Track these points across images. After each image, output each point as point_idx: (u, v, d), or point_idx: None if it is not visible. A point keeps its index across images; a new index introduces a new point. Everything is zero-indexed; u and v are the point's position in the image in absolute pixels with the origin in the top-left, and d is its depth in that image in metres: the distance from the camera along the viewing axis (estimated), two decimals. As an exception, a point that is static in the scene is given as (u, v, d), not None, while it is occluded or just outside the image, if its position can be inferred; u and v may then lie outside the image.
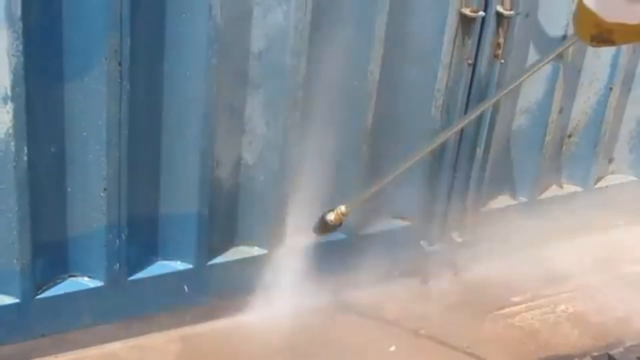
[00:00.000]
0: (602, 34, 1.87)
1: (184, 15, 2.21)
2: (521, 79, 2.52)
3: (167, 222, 2.46)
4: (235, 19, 2.28)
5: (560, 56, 2.88)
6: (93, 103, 2.17)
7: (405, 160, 2.46)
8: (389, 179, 2.48)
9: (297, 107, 2.45)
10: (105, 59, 2.12)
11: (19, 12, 1.97)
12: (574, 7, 2.73)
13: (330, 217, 2.48)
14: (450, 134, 2.63)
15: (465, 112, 2.76)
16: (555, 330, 2.84)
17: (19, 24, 1.99)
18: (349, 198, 2.52)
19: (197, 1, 2.19)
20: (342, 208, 2.47)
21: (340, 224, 2.51)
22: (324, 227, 2.51)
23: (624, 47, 2.99)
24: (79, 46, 2.11)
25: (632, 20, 1.83)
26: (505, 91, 2.65)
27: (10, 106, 2.07)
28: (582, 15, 1.89)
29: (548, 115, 2.97)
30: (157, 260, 2.52)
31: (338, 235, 2.69)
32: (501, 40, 2.70)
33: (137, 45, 2.16)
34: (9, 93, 2.05)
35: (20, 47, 2.01)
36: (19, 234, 2.21)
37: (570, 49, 2.89)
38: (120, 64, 2.14)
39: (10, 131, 2.09)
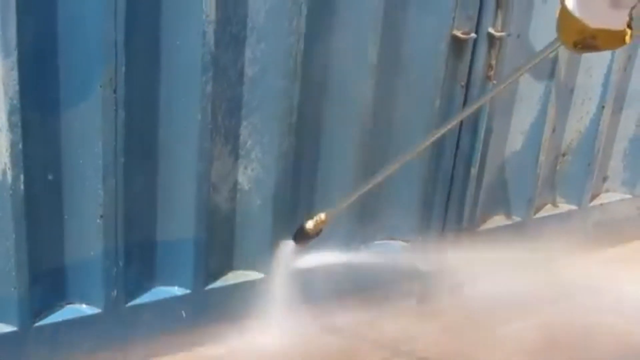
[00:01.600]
0: (586, 39, 1.87)
1: (178, 42, 2.22)
2: (506, 83, 2.56)
3: (164, 248, 2.47)
4: (229, 44, 2.30)
5: (552, 76, 2.90)
6: (89, 130, 2.18)
7: (387, 167, 2.44)
8: (368, 187, 2.45)
9: (292, 131, 2.46)
10: (101, 86, 2.13)
11: (14, 42, 1.99)
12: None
13: (310, 225, 2.48)
14: (439, 132, 2.51)
15: (459, 133, 2.78)
16: (555, 348, 2.84)
17: (15, 54, 2.00)
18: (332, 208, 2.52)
19: (190, 28, 2.21)
20: (322, 215, 2.48)
21: (320, 232, 2.50)
22: (303, 235, 2.51)
23: (615, 66, 3.02)
24: (74, 74, 2.12)
25: (615, 26, 1.84)
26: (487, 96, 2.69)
27: (6, 135, 2.08)
28: (565, 21, 1.89)
29: (541, 135, 2.99)
30: (154, 286, 2.52)
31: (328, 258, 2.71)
32: (493, 61, 2.72)
33: (132, 72, 2.17)
34: (5, 122, 2.06)
35: (16, 76, 2.02)
36: (16, 262, 2.21)
37: (562, 70, 2.91)
38: (115, 91, 2.15)
39: (7, 160, 2.10)
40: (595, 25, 1.84)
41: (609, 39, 1.87)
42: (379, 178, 2.43)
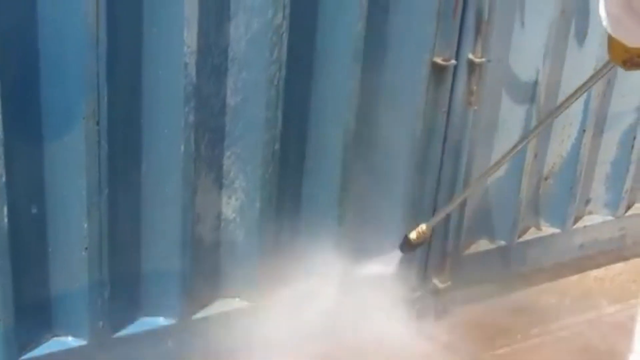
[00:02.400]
0: (633, 58, 1.89)
1: (159, 73, 2.23)
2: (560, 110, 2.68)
3: (150, 278, 2.46)
4: (210, 75, 2.31)
5: (533, 101, 2.92)
6: (72, 162, 2.19)
7: (480, 177, 2.81)
8: (464, 197, 2.79)
9: (275, 159, 2.47)
10: (84, 118, 2.14)
11: (-4, 75, 2.00)
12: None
13: (413, 235, 2.67)
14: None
15: (442, 159, 2.80)
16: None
17: (-3, 87, 2.01)
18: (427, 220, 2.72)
19: (172, 58, 2.22)
20: (423, 227, 2.68)
21: (424, 242, 2.71)
22: (408, 245, 2.69)
23: (594, 91, 3.03)
24: (57, 107, 2.13)
25: None
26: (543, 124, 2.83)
27: (-11, 168, 2.08)
28: (611, 41, 1.90)
29: (523, 159, 3.00)
30: (140, 317, 2.51)
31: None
32: (474, 87, 2.73)
33: (115, 104, 2.18)
34: (-12, 155, 2.07)
35: (-1, 109, 2.03)
36: (1, 295, 2.21)
37: (543, 95, 2.93)
38: (98, 123, 2.16)
39: (-10, 193, 2.11)
40: (632, 45, 1.83)
41: None
42: (468, 192, 2.81)
